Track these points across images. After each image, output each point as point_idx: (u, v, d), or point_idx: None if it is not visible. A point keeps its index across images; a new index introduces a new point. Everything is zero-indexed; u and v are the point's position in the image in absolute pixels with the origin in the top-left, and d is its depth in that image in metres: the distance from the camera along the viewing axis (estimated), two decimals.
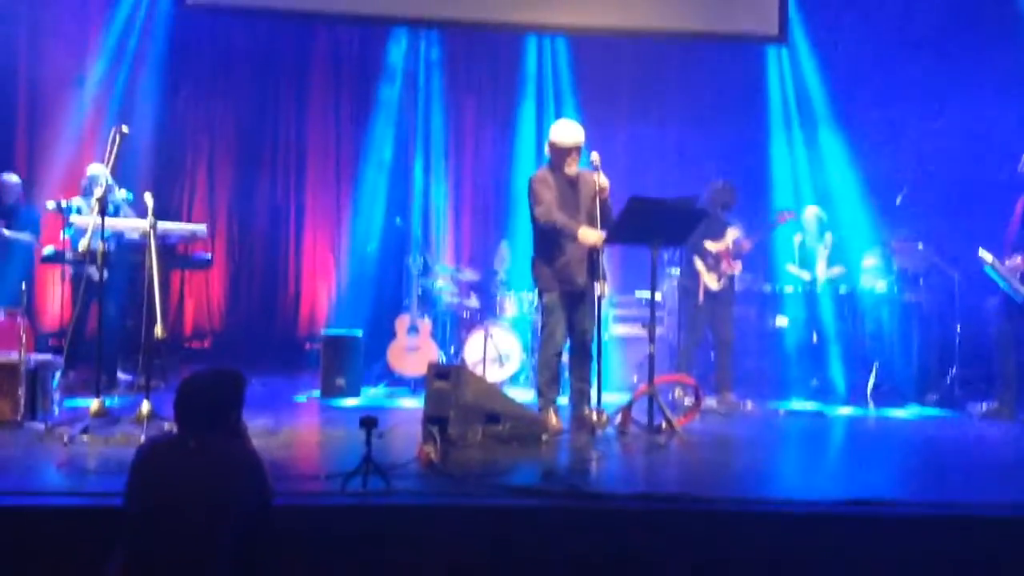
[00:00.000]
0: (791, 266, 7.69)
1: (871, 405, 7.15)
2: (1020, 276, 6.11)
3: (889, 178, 8.23)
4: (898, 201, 7.69)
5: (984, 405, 6.41)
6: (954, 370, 7.21)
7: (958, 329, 7.23)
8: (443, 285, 8.12)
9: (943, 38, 8.44)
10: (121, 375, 6.39)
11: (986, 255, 6.23)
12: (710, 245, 6.81)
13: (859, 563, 3.35)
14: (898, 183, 7.87)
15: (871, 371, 7.63)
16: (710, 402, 6.50)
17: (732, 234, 6.91)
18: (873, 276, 7.72)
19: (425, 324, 7.47)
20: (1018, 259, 6.11)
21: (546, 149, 5.49)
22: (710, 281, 6.85)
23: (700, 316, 6.90)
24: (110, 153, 4.93)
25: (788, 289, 7.70)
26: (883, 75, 8.68)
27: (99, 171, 6.62)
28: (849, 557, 3.35)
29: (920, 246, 7.46)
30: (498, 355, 7.61)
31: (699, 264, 6.82)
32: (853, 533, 3.39)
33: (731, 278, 6.95)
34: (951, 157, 8.47)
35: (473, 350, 7.59)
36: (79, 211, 6.37)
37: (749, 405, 6.62)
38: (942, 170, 8.45)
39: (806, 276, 7.54)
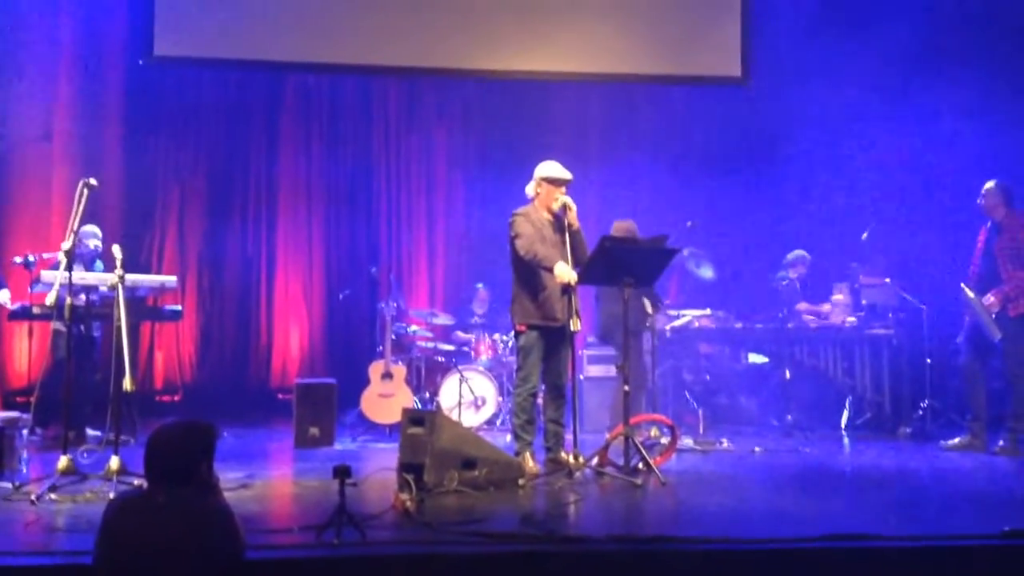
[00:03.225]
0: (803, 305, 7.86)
1: (845, 439, 7.20)
2: (994, 315, 6.20)
3: (855, 213, 8.36)
4: (864, 237, 7.80)
5: (957, 438, 6.46)
6: (926, 403, 7.28)
7: (928, 362, 7.31)
8: (417, 330, 8.11)
9: (907, 72, 8.63)
10: (90, 431, 6.29)
11: (969, 291, 6.33)
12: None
13: None
14: (864, 218, 8.00)
15: (844, 406, 7.69)
16: (687, 441, 6.50)
17: None
18: (842, 311, 7.81)
19: (399, 370, 7.43)
20: (991, 298, 6.20)
21: (531, 188, 5.56)
22: (655, 321, 6.90)
23: (645, 355, 6.93)
24: (78, 206, 4.90)
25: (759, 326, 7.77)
26: (845, 111, 8.84)
27: (90, 229, 6.65)
28: None
29: (887, 281, 7.57)
30: (474, 399, 7.59)
31: (649, 305, 6.83)
32: (830, 568, 3.38)
33: None
34: (916, 191, 8.63)
35: (448, 394, 7.56)
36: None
37: (725, 443, 6.63)
38: (908, 205, 8.60)
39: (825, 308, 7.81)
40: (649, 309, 6.80)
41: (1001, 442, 6.18)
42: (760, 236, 8.96)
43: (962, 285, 6.40)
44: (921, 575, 3.39)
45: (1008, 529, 3.56)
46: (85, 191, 4.91)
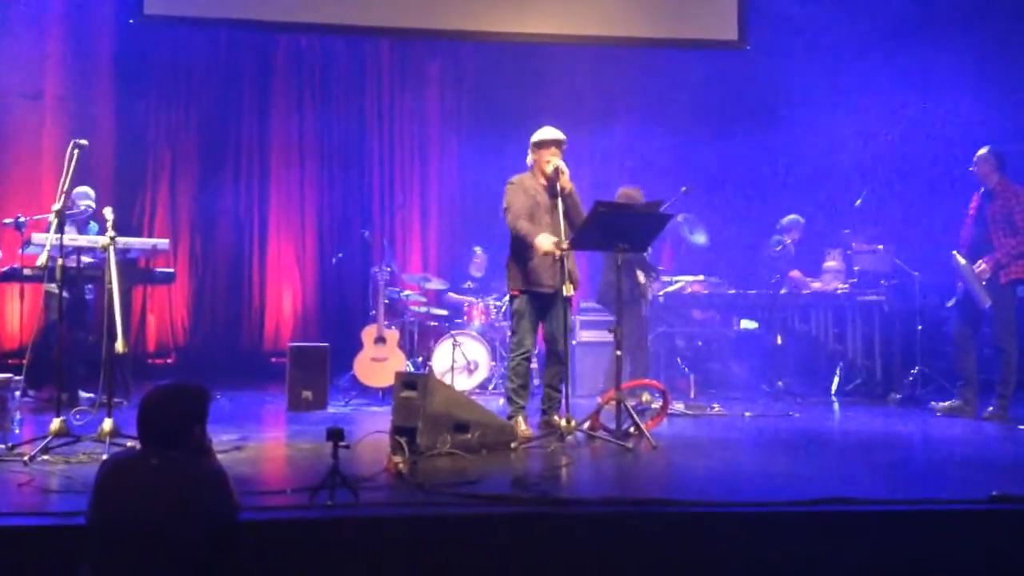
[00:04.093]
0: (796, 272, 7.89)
1: (836, 405, 7.25)
2: (984, 282, 6.21)
3: (849, 180, 8.35)
4: (858, 203, 7.80)
5: (947, 403, 6.51)
6: (916, 369, 7.33)
7: (919, 328, 7.35)
8: (410, 294, 8.10)
9: (901, 39, 8.58)
10: (83, 393, 6.30)
11: (960, 258, 6.34)
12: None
13: (826, 561, 3.38)
14: (858, 185, 7.99)
15: (835, 371, 7.73)
16: (678, 405, 6.54)
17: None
18: (834, 277, 7.83)
19: (392, 334, 7.44)
20: (983, 264, 6.21)
21: (529, 156, 5.54)
22: (648, 290, 6.98)
23: (645, 323, 7.00)
24: (68, 167, 4.85)
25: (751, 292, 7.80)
26: (842, 78, 8.80)
27: (83, 191, 6.62)
28: (816, 555, 3.38)
29: (880, 247, 7.57)
30: (466, 363, 7.61)
31: (641, 275, 6.90)
32: (819, 532, 3.42)
33: None
34: (910, 159, 8.62)
35: (441, 359, 7.58)
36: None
37: (716, 408, 6.67)
38: (901, 172, 8.60)
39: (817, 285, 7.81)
40: (641, 279, 6.83)
41: (990, 408, 6.23)
42: (754, 201, 8.95)
43: (954, 252, 6.41)
44: (910, 539, 3.42)
45: (996, 493, 3.60)
46: (76, 152, 4.86)
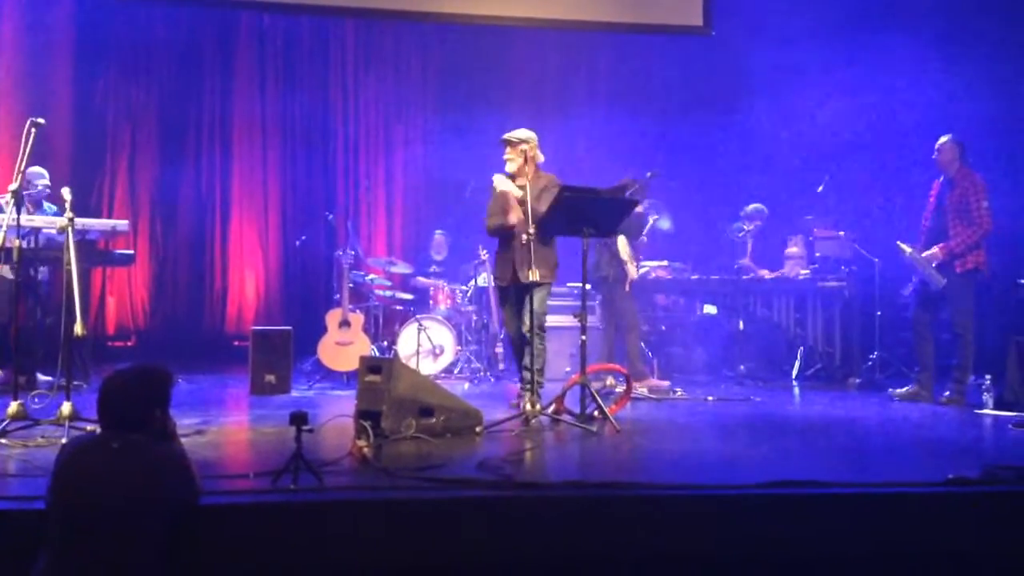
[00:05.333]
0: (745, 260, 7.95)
1: (796, 389, 7.34)
2: (937, 265, 6.29)
3: (811, 166, 8.42)
4: (820, 189, 7.88)
5: (904, 389, 6.61)
6: (876, 354, 7.43)
7: (878, 314, 7.45)
8: (375, 278, 8.06)
9: (864, 26, 8.65)
10: (41, 376, 6.20)
11: (904, 247, 6.42)
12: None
13: (786, 542, 3.43)
14: (820, 171, 8.06)
15: (796, 356, 7.82)
16: (641, 390, 6.59)
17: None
18: (796, 263, 7.91)
19: (357, 318, 7.40)
20: (936, 250, 6.29)
21: None
22: (633, 271, 7.07)
23: (626, 304, 7.06)
24: (25, 147, 4.75)
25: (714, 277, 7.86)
26: (804, 63, 8.85)
27: (36, 171, 6.51)
28: (776, 537, 3.43)
29: (841, 234, 7.66)
30: (432, 347, 7.59)
31: (627, 255, 6.99)
32: (779, 513, 3.46)
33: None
34: (871, 145, 8.70)
35: (406, 343, 7.56)
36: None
37: (679, 392, 6.72)
38: (863, 158, 8.68)
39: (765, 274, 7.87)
40: (625, 256, 6.97)
41: (947, 392, 6.34)
42: (718, 187, 9.00)
43: (898, 243, 6.51)
44: (868, 520, 3.48)
45: (952, 476, 3.67)
46: (32, 131, 4.77)
